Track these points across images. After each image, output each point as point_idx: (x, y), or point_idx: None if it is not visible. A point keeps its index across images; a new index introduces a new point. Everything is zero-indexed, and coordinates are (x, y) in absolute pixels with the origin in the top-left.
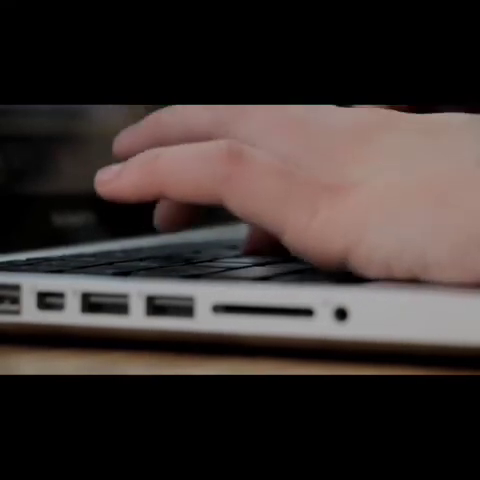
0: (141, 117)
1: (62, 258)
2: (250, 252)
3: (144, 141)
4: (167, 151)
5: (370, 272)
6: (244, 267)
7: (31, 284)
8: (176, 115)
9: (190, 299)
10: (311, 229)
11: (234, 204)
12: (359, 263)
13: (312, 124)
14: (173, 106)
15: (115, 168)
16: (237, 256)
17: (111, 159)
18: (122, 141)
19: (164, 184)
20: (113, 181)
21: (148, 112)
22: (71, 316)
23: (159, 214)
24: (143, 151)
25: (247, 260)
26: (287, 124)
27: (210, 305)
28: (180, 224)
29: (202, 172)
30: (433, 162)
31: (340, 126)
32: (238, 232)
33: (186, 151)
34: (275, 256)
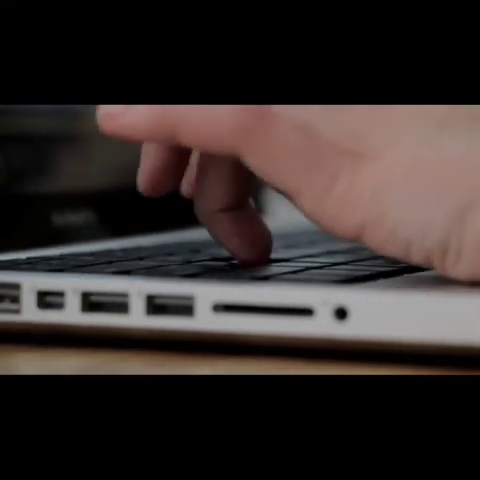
0: None
1: (62, 257)
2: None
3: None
4: (186, 106)
5: (387, 250)
6: (244, 267)
7: (31, 283)
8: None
9: (190, 298)
10: (330, 196)
11: (253, 159)
12: (377, 239)
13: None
14: None
15: (120, 106)
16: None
17: (111, 159)
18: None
19: (178, 126)
20: (122, 116)
21: None
22: (71, 315)
23: (143, 176)
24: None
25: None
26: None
27: (210, 304)
28: (164, 188)
29: (223, 119)
30: (469, 141)
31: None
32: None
33: (208, 108)
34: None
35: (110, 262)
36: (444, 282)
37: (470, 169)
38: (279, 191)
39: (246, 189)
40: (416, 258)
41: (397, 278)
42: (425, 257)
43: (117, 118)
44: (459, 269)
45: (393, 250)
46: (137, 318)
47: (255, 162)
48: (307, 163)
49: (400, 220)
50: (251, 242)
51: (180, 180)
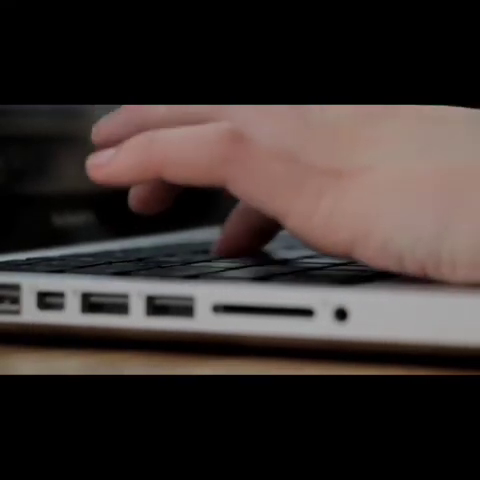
0: None
1: (62, 258)
2: (223, 253)
3: (125, 126)
4: (163, 133)
5: (380, 264)
6: (244, 267)
7: (31, 284)
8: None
9: (190, 299)
10: (317, 216)
11: (236, 187)
12: (368, 254)
13: (312, 109)
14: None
15: (107, 152)
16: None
17: None
18: (101, 129)
19: (162, 166)
20: (107, 165)
21: None
22: (71, 316)
23: (134, 194)
24: (124, 136)
25: (247, 260)
26: (286, 110)
27: (210, 305)
28: (154, 206)
29: (202, 153)
30: (450, 152)
31: (344, 110)
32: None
33: (184, 132)
34: (248, 257)
35: (110, 263)
36: (444, 283)
37: (455, 179)
38: (269, 214)
39: None
40: (410, 270)
41: (397, 279)
42: (419, 268)
43: (103, 168)
44: (457, 276)
45: (385, 264)
46: (137, 319)
47: (238, 190)
48: (290, 186)
49: (388, 235)
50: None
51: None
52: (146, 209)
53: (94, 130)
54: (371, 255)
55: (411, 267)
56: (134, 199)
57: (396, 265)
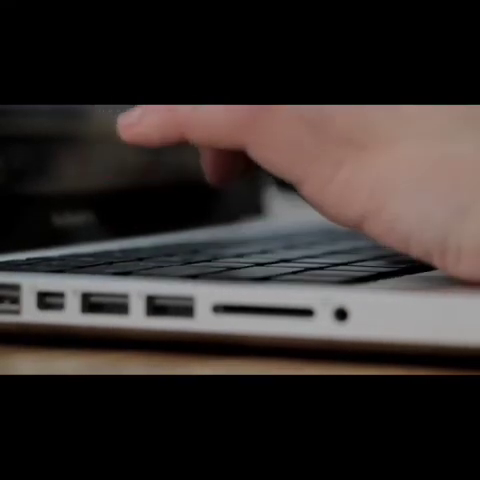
0: None
1: (62, 258)
2: (218, 181)
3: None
4: (195, 107)
5: (387, 241)
6: (244, 267)
7: (31, 284)
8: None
9: (190, 299)
10: (333, 184)
11: (256, 150)
12: (378, 230)
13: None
14: None
15: (136, 112)
16: (237, 256)
17: (111, 159)
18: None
19: (186, 126)
20: (136, 125)
21: None
22: (71, 316)
23: (207, 167)
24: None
25: (247, 260)
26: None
27: (210, 305)
28: (229, 175)
29: (225, 115)
30: (474, 141)
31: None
32: (238, 232)
33: (212, 107)
34: (242, 176)
35: (110, 263)
36: (444, 283)
37: (473, 169)
38: (285, 181)
39: None
40: (416, 252)
41: (397, 279)
42: (424, 252)
43: (132, 128)
44: (459, 269)
45: (392, 242)
46: (137, 319)
47: (259, 154)
48: (310, 152)
49: (399, 213)
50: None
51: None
52: (222, 180)
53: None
54: (380, 231)
55: (417, 249)
56: (208, 172)
57: (402, 245)
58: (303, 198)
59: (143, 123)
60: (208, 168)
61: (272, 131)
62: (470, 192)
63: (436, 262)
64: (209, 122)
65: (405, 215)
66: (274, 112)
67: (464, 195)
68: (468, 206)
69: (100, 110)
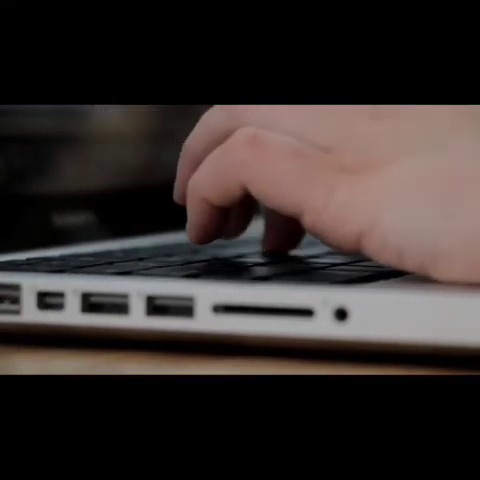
0: (140, 117)
1: (62, 258)
2: (271, 249)
3: (190, 173)
4: (199, 168)
5: (382, 257)
6: (244, 267)
7: (31, 284)
8: (199, 128)
9: (190, 299)
10: (328, 210)
11: (254, 188)
12: (372, 247)
13: (323, 106)
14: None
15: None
16: (237, 256)
17: (111, 159)
18: (176, 190)
19: (202, 193)
20: (187, 229)
21: (146, 112)
22: (71, 316)
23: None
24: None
25: (247, 260)
26: (297, 106)
27: (210, 305)
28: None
29: (223, 163)
30: (457, 150)
31: (355, 106)
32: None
33: (211, 155)
34: (294, 248)
35: (110, 263)
36: (444, 283)
37: (457, 175)
38: (287, 214)
39: None
40: (409, 266)
41: (397, 279)
42: (418, 265)
43: (191, 234)
44: (454, 274)
45: (387, 258)
46: (137, 319)
47: (256, 190)
48: (305, 182)
49: (389, 228)
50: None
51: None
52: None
53: (175, 195)
54: (374, 248)
55: (410, 262)
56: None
57: (396, 259)
58: (307, 231)
59: (191, 224)
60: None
61: (266, 168)
62: (456, 196)
63: (431, 272)
64: (213, 179)
65: (396, 228)
66: (267, 150)
67: (451, 200)
68: (455, 209)
69: (100, 110)
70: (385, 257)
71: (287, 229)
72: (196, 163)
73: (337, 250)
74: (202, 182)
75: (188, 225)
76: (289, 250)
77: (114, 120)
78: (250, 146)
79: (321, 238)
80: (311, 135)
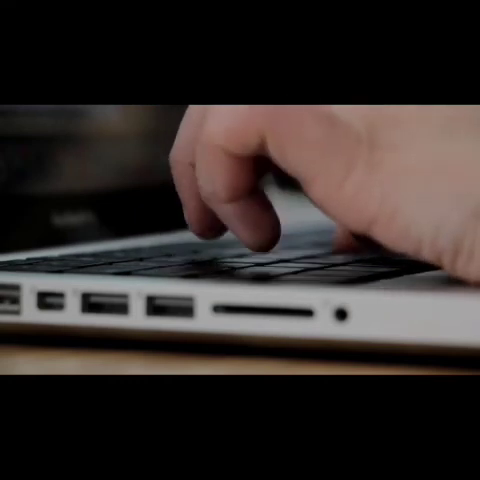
0: (140, 117)
1: (62, 258)
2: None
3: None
4: (209, 118)
5: (398, 246)
6: (244, 267)
7: (31, 284)
8: (180, 125)
9: (190, 299)
10: (344, 188)
11: (273, 143)
12: (389, 235)
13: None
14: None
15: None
16: (237, 256)
17: (111, 159)
18: (179, 150)
19: (220, 141)
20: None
21: (146, 112)
22: (71, 316)
23: (191, 220)
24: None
25: (247, 260)
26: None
27: (210, 305)
28: (216, 229)
29: (244, 113)
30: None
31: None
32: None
33: (228, 107)
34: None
35: (110, 263)
36: (444, 283)
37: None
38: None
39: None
40: (427, 256)
41: (397, 279)
42: (436, 256)
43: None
44: (470, 270)
45: (404, 247)
46: (137, 319)
47: (277, 147)
48: (326, 151)
49: (411, 219)
50: (258, 231)
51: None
52: (207, 233)
53: (190, 228)
54: (391, 237)
55: (428, 254)
56: (193, 225)
57: (414, 250)
58: (310, 199)
59: (214, 180)
60: (194, 223)
61: (291, 126)
62: None
63: (446, 264)
64: (229, 125)
65: (419, 220)
66: (294, 109)
67: (477, 198)
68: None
69: (100, 110)
70: (402, 246)
71: (265, 227)
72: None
73: (344, 225)
74: (216, 128)
75: (213, 182)
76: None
77: (114, 120)
78: (275, 106)
79: (328, 212)
80: (341, 111)
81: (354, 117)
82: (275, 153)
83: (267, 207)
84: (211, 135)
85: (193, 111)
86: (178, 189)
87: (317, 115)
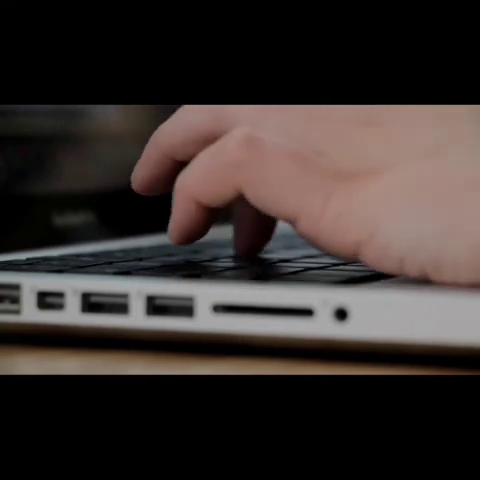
0: (140, 117)
1: (62, 258)
2: (243, 252)
3: (156, 166)
4: (187, 169)
5: (382, 267)
6: (244, 267)
7: (31, 284)
8: (178, 126)
9: (190, 299)
10: (324, 219)
11: (249, 191)
12: (372, 256)
13: (316, 107)
14: (173, 115)
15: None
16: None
17: (111, 159)
18: (137, 178)
19: (192, 192)
20: (172, 230)
21: (146, 112)
22: (71, 316)
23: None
24: (159, 177)
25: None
26: (287, 107)
27: (210, 305)
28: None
29: (218, 164)
30: (454, 154)
31: (351, 108)
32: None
33: (203, 153)
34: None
35: (110, 263)
36: (443, 283)
37: (460, 186)
38: (280, 219)
39: None
40: (411, 272)
41: (397, 279)
42: (420, 272)
43: (172, 233)
44: (459, 278)
45: (387, 266)
46: (137, 319)
47: (253, 194)
48: (300, 188)
49: (390, 238)
50: (251, 234)
51: None
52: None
53: (132, 181)
54: (374, 257)
55: (412, 270)
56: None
57: (397, 268)
58: (300, 235)
59: (172, 224)
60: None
61: (262, 172)
62: (458, 206)
63: (434, 278)
64: (207, 178)
65: (397, 239)
66: (263, 152)
67: (451, 212)
68: (459, 222)
69: (100, 110)
70: (385, 266)
71: (256, 232)
72: (168, 158)
73: (334, 256)
74: (193, 181)
75: (171, 224)
76: (259, 252)
77: (114, 120)
78: (246, 147)
79: (317, 245)
80: (304, 138)
81: (329, 151)
82: (255, 202)
83: (261, 214)
84: (187, 185)
85: (193, 110)
86: (144, 158)
87: (284, 154)
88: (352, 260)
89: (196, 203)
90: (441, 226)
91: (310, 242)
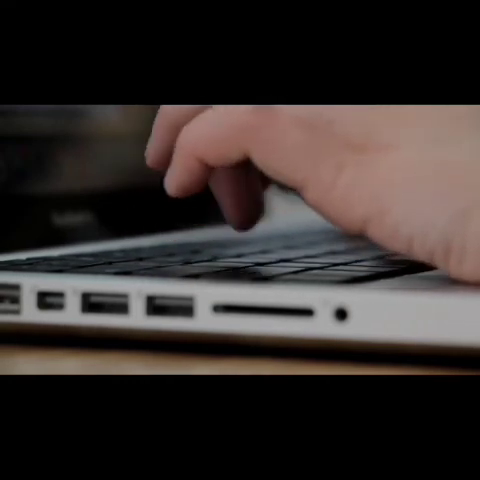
0: (140, 117)
1: (62, 258)
2: (240, 225)
3: (167, 138)
4: (192, 124)
5: (390, 245)
6: (244, 267)
7: (31, 284)
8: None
9: (190, 299)
10: (335, 189)
11: (257, 156)
12: (381, 234)
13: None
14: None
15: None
16: (237, 256)
17: (111, 159)
18: (149, 152)
19: (197, 153)
20: (169, 182)
21: (146, 112)
22: (71, 316)
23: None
24: (170, 149)
25: (247, 260)
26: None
27: (210, 305)
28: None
29: (226, 124)
30: (475, 142)
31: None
32: (238, 232)
33: (211, 111)
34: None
35: (110, 263)
36: (444, 283)
37: (473, 171)
38: (287, 187)
39: None
40: (418, 254)
41: (397, 279)
42: (427, 255)
43: (167, 184)
44: (463, 269)
45: (395, 246)
46: (137, 319)
47: (262, 159)
48: (310, 156)
49: (401, 217)
50: (241, 204)
51: None
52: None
53: (146, 158)
54: (383, 235)
55: (420, 252)
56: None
57: (405, 248)
58: (306, 204)
59: (170, 179)
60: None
61: (273, 136)
62: (472, 194)
63: (439, 263)
64: (215, 137)
65: (408, 219)
66: (274, 117)
67: (466, 197)
68: (470, 208)
69: (100, 110)
70: (393, 245)
71: (246, 206)
72: (177, 128)
73: (339, 227)
74: (198, 140)
75: (169, 177)
76: (255, 224)
77: (114, 120)
78: (257, 111)
79: (324, 215)
80: (316, 109)
81: (342, 121)
82: (263, 166)
83: (254, 187)
84: (191, 143)
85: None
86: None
87: (296, 120)
88: (359, 234)
89: (199, 162)
90: (455, 209)
91: (317, 211)
